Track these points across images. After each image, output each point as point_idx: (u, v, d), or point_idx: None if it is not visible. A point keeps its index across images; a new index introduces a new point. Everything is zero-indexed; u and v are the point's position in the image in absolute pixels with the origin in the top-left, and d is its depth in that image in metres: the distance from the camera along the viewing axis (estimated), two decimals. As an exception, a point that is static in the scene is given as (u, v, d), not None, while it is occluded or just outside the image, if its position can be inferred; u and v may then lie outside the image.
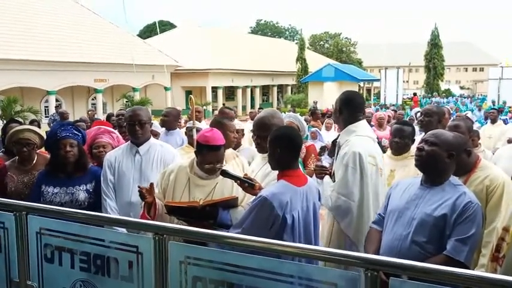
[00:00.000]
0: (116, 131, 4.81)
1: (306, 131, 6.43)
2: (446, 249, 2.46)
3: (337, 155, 3.40)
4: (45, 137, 3.89)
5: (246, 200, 3.01)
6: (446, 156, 2.60)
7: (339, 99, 3.46)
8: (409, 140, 4.03)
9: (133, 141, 3.72)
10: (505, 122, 11.10)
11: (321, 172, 3.42)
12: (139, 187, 3.00)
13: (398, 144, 3.99)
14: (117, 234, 2.42)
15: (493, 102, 25.39)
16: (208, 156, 2.99)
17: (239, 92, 36.79)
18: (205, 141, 3.00)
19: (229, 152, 3.69)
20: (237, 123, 5.61)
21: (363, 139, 3.33)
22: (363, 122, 3.46)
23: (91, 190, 3.61)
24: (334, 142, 3.86)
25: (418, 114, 7.28)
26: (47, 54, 22.00)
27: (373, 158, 3.29)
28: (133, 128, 3.65)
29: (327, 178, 3.40)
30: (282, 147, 2.77)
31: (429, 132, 2.76)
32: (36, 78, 21.58)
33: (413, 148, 4.11)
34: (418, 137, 5.03)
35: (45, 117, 20.34)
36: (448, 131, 4.05)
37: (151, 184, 3.02)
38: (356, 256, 1.88)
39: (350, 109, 3.41)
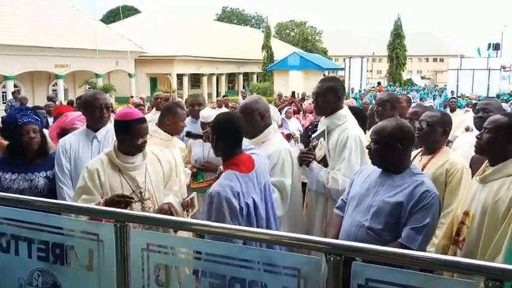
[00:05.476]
0: None
1: (279, 119, 6.48)
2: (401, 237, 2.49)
3: (321, 139, 3.40)
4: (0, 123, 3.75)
5: None
6: (396, 149, 2.61)
7: (329, 87, 3.42)
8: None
9: (91, 126, 3.60)
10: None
11: (306, 158, 3.39)
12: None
13: None
14: (76, 222, 2.35)
15: (452, 92, 26.12)
16: (140, 129, 2.99)
17: (205, 79, 36.45)
18: (132, 116, 3.00)
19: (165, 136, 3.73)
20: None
21: (356, 123, 3.42)
22: (346, 107, 3.53)
23: (51, 177, 3.49)
24: (307, 128, 3.86)
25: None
26: (4, 38, 21.12)
27: (365, 141, 3.37)
28: (101, 112, 3.55)
29: (314, 164, 3.37)
30: (220, 134, 2.72)
31: (373, 129, 2.76)
32: (-7, 63, 20.75)
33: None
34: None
35: (3, 103, 19.62)
36: (408, 117, 4.14)
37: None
38: (318, 241, 1.88)
39: (339, 96, 3.46)
